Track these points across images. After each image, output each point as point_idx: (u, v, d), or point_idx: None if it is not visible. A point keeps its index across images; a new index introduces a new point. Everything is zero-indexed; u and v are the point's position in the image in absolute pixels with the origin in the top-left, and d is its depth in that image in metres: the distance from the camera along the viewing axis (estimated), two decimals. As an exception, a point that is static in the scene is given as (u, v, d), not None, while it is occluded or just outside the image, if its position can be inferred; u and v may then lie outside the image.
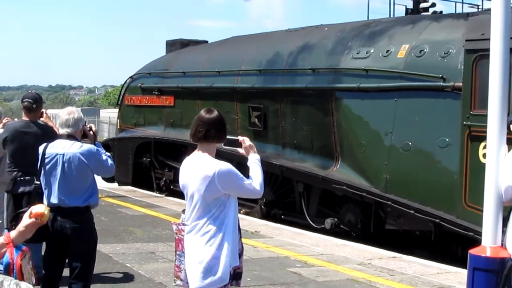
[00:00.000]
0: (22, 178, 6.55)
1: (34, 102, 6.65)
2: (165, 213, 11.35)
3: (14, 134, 6.63)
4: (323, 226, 10.23)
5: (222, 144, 4.20)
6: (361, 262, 8.12)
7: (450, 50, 8.74)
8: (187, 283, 4.10)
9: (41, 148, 5.23)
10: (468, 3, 16.31)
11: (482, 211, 7.85)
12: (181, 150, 13.85)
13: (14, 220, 4.96)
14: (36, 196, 6.22)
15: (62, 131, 5.20)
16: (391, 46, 9.62)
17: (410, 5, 13.35)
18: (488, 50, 7.94)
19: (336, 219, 10.15)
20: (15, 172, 6.57)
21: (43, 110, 6.81)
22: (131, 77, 15.71)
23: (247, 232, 9.60)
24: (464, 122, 8.22)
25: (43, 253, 6.47)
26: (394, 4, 13.79)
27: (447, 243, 8.85)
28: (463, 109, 8.26)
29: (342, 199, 10.29)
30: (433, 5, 12.10)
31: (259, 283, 6.99)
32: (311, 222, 10.53)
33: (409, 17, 10.43)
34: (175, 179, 14.16)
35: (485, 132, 7.88)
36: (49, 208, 3.39)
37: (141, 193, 13.99)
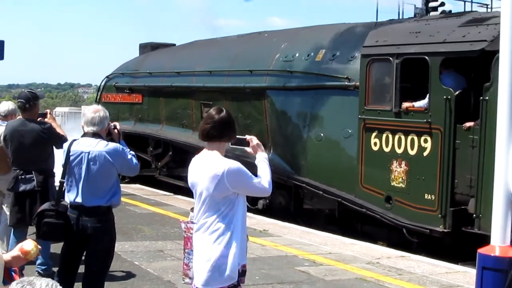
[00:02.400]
0: (23, 176, 6.59)
1: (27, 101, 6.69)
2: (173, 211, 11.38)
3: (12, 133, 6.70)
4: (256, 206, 11.75)
5: (230, 143, 4.23)
6: (370, 261, 8.18)
7: (355, 55, 10.22)
8: None
9: (65, 146, 5.20)
10: (478, 2, 16.82)
11: (374, 191, 9.48)
12: (147, 143, 15.48)
13: (38, 217, 5.17)
14: (42, 195, 6.37)
15: (87, 129, 5.14)
16: (312, 50, 11.12)
17: (419, 4, 13.81)
18: (379, 55, 9.54)
19: (267, 200, 11.67)
20: (17, 171, 6.64)
21: (48, 110, 6.93)
22: (107, 76, 17.25)
23: (255, 231, 9.69)
24: (360, 116, 9.70)
25: (51, 250, 6.66)
26: (403, 3, 14.24)
27: (349, 219, 10.36)
28: (359, 104, 9.74)
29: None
30: (442, 4, 12.63)
31: (268, 282, 6.99)
32: (247, 204, 12.03)
33: (332, 25, 11.90)
34: (141, 168, 15.75)
35: (376, 124, 9.53)
36: (37, 245, 3.33)
37: (149, 191, 14.10)
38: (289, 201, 11.37)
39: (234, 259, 3.96)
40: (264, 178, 4.12)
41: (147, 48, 17.06)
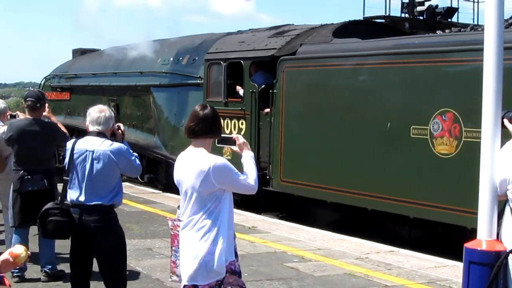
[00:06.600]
0: (29, 176, 6.47)
1: (37, 101, 6.59)
2: (162, 209, 11.63)
3: (19, 133, 6.53)
4: (144, 180, 14.74)
5: (216, 142, 4.25)
6: (358, 257, 8.24)
7: (209, 59, 13.20)
8: None
9: (69, 144, 5.17)
10: (465, -3, 17.99)
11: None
12: (73, 133, 18.48)
13: (41, 218, 5.18)
14: (49, 194, 6.28)
15: (92, 128, 5.13)
16: (181, 55, 14.13)
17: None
18: (214, 59, 12.50)
19: (152, 175, 14.67)
20: (22, 171, 6.51)
21: (46, 104, 6.83)
22: (45, 77, 20.30)
23: (244, 227, 9.79)
24: (203, 106, 12.68)
25: (56, 250, 6.80)
26: None
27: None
28: (203, 97, 12.73)
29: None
30: None
31: (256, 278, 7.02)
32: (139, 179, 15.03)
33: (200, 35, 14.90)
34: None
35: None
36: (27, 250, 3.32)
37: (138, 189, 14.35)
38: (165, 175, 14.40)
39: (221, 256, 4.01)
40: (250, 175, 4.17)
41: (78, 53, 20.14)
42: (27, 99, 6.63)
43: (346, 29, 11.08)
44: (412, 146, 8.89)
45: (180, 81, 13.74)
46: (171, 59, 14.38)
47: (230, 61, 12.08)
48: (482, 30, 9.26)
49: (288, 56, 10.90)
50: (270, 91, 11.13)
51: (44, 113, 6.76)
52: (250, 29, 13.54)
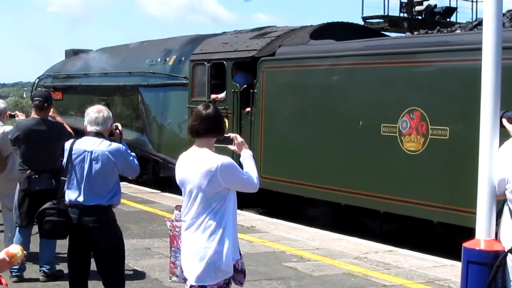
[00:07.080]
0: (36, 176, 6.51)
1: (45, 100, 6.61)
2: (160, 208, 11.59)
3: (27, 132, 6.56)
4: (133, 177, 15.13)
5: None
6: (357, 256, 8.26)
7: (194, 60, 13.60)
8: (183, 279, 4.12)
9: (68, 144, 5.17)
10: (463, -3, 17.83)
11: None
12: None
13: (38, 218, 5.21)
14: (56, 193, 6.05)
15: (90, 128, 5.13)
16: (168, 56, 14.52)
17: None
18: (199, 60, 12.92)
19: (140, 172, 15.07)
20: (29, 171, 6.54)
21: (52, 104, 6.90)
22: (38, 77, 20.70)
23: (242, 227, 9.71)
24: (188, 105, 13.10)
25: (57, 250, 6.83)
26: None
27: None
28: (188, 97, 13.13)
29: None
30: None
31: (255, 278, 7.02)
32: (129, 177, 15.43)
33: (186, 36, 15.29)
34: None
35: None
36: (23, 249, 3.33)
37: (136, 189, 14.28)
38: (152, 172, 14.81)
39: (228, 255, 4.03)
40: (252, 173, 4.18)
41: (70, 53, 20.51)
42: (35, 98, 6.67)
43: (323, 31, 11.46)
44: (382, 143, 9.28)
45: (167, 80, 14.13)
46: (158, 59, 14.78)
47: (214, 61, 12.47)
48: (448, 32, 9.84)
49: (267, 57, 11.30)
50: (251, 90, 11.52)
51: (49, 114, 6.83)
52: (234, 31, 13.92)
